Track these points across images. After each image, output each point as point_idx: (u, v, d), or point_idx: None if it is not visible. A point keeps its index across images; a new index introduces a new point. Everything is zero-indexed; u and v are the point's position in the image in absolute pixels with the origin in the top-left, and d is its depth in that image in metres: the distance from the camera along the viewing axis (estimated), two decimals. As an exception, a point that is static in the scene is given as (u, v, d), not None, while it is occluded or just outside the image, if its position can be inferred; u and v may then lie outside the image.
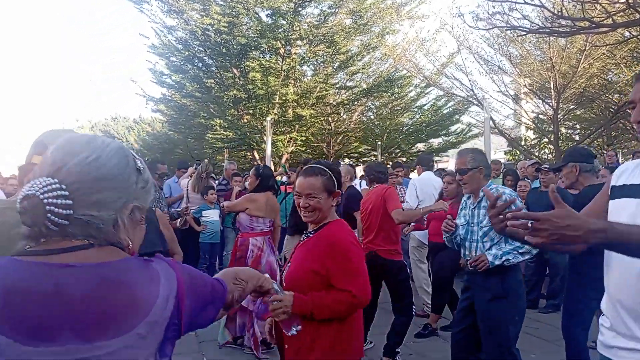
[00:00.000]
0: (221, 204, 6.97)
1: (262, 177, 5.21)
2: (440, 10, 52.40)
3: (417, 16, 17.69)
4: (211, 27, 14.40)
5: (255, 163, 16.82)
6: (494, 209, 1.74)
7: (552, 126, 16.67)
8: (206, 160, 9.91)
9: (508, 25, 10.29)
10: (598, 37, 13.09)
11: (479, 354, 3.41)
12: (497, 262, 3.21)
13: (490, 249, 3.31)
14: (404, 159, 20.99)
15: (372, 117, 21.75)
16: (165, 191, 8.00)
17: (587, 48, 13.94)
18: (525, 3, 9.29)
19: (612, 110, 16.36)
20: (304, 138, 17.37)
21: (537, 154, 18.28)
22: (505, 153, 21.45)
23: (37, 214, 0.97)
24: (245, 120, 16.43)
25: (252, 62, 15.08)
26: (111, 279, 1.00)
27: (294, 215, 5.96)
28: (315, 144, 20.48)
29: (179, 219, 6.00)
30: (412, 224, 5.81)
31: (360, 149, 22.31)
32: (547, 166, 6.63)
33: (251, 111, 15.95)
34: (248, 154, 18.73)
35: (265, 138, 13.85)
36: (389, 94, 18.72)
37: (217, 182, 9.03)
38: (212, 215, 7.54)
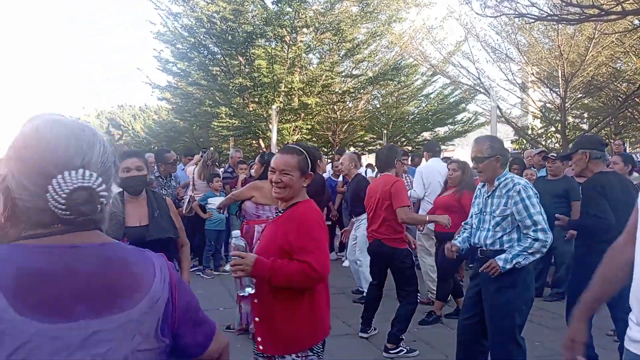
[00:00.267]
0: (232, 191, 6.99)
1: (267, 164, 5.21)
2: (448, -2, 51.89)
3: (424, 4, 17.54)
4: (217, 14, 14.35)
5: (261, 151, 16.84)
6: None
7: (559, 115, 16.55)
8: (212, 148, 9.93)
9: (516, 13, 10.17)
10: (607, 24, 12.95)
11: (484, 341, 3.42)
12: (508, 267, 3.19)
13: (501, 237, 3.31)
14: (410, 148, 20.93)
15: (378, 105, 21.66)
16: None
17: (595, 36, 13.79)
18: (534, -10, 9.20)
19: (620, 99, 16.22)
20: (309, 126, 17.35)
21: (543, 143, 18.18)
22: (512, 142, 21.33)
23: (93, 204, 1.05)
24: (251, 109, 16.41)
25: (258, 50, 15.03)
26: (115, 258, 1.09)
27: None
28: (320, 133, 20.45)
29: (184, 207, 6.03)
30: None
31: (365, 138, 22.26)
32: (554, 154, 6.61)
33: (257, 99, 15.93)
34: (254, 142, 18.74)
35: (270, 126, 13.86)
36: (395, 82, 18.62)
37: (222, 169, 9.06)
38: (217, 203, 7.56)
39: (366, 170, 8.97)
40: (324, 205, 6.37)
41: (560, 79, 15.34)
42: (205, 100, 17.66)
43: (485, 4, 10.62)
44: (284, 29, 14.91)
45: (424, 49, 18.13)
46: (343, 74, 17.91)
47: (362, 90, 18.29)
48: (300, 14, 14.61)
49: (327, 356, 4.43)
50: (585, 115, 19.93)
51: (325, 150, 21.41)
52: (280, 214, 2.46)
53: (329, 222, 8.37)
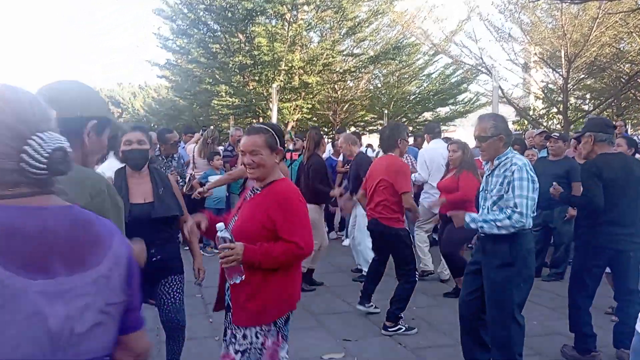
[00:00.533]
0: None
1: None
2: (451, -24, 51.28)
3: (427, -19, 17.32)
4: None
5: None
6: None
7: (561, 96, 16.45)
8: (212, 126, 9.89)
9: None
10: (611, 4, 12.78)
11: (485, 316, 3.45)
12: (471, 225, 3.30)
13: None
14: (411, 128, 20.86)
15: (379, 85, 21.53)
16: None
17: (599, 16, 13.63)
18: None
19: (623, 80, 16.10)
20: (310, 106, 17.26)
21: (545, 124, 18.11)
22: (513, 123, 21.24)
23: (68, 163, 1.11)
24: (251, 87, 16.31)
25: (258, 28, 14.87)
26: (81, 219, 1.14)
27: (303, 182, 5.95)
28: (321, 112, 20.37)
29: (185, 185, 6.02)
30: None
31: (366, 118, 22.17)
32: (557, 134, 6.59)
33: (257, 78, 15.83)
34: (254, 120, 18.67)
35: (271, 105, 13.79)
36: (396, 61, 18.48)
37: (222, 148, 9.03)
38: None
39: (366, 150, 8.95)
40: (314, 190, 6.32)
41: (563, 59, 15.21)
42: (205, 78, 17.54)
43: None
44: (284, 6, 14.73)
45: (426, 27, 17.96)
46: (344, 52, 17.75)
47: (363, 70, 18.15)
48: (301, -9, 14.45)
49: (325, 332, 4.49)
50: (588, 96, 19.81)
51: (326, 129, 21.35)
52: (256, 192, 2.49)
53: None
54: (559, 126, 17.59)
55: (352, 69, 17.67)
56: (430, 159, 6.39)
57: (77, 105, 1.67)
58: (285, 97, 16.06)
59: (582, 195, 4.01)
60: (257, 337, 2.38)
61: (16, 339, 0.96)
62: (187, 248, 3.35)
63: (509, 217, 3.14)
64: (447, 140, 7.81)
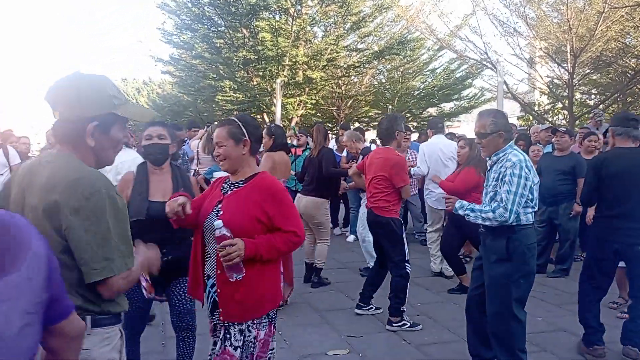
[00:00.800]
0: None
1: (275, 135, 5.17)
2: (455, -30, 50.99)
3: (431, -24, 17.22)
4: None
5: (265, 126, 16.78)
6: None
7: (566, 91, 16.35)
8: (216, 122, 9.88)
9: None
10: (618, -2, 12.69)
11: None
12: (460, 212, 3.37)
13: None
14: (415, 124, 20.81)
15: (383, 80, 21.46)
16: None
17: (605, 10, 13.51)
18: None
19: (628, 75, 15.99)
20: (314, 101, 17.23)
21: (550, 119, 18.02)
22: (518, 118, 21.14)
23: None
24: (255, 82, 16.29)
25: (262, 23, 14.83)
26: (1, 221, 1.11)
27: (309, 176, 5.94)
28: (325, 108, 20.34)
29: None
30: None
31: (370, 113, 22.13)
32: (563, 129, 6.59)
33: (261, 73, 15.80)
34: (258, 116, 18.66)
35: (275, 100, 13.78)
36: (400, 56, 18.41)
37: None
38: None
39: (370, 146, 8.92)
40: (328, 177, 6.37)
41: (568, 54, 15.11)
42: (209, 73, 17.52)
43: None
44: (288, 0, 14.68)
45: (431, 22, 17.86)
46: (348, 47, 17.69)
47: (367, 65, 18.09)
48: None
49: (329, 329, 4.49)
50: (594, 91, 19.68)
51: (330, 125, 21.31)
52: (238, 187, 2.47)
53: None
54: (564, 121, 17.50)
55: (357, 64, 17.61)
56: (430, 154, 6.41)
57: (75, 106, 1.65)
58: (289, 92, 16.04)
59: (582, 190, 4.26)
60: (249, 331, 2.39)
61: None
62: None
63: (493, 211, 3.17)
64: (452, 135, 7.79)
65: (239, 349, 2.37)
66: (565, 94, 16.74)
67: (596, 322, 3.99)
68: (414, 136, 11.57)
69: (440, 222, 6.45)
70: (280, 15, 15.74)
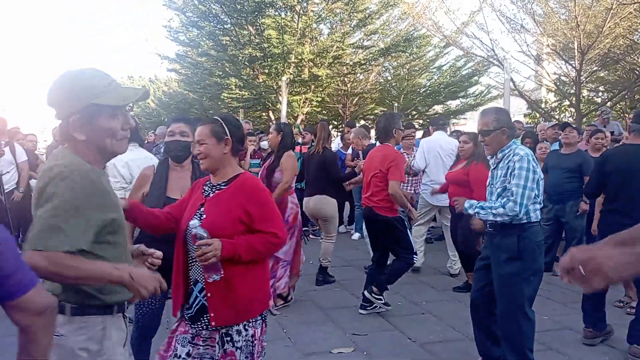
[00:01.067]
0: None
1: (284, 132, 5.13)
2: (462, -33, 50.70)
3: (438, -28, 17.13)
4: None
5: (271, 123, 16.78)
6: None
7: (574, 88, 16.24)
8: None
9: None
10: (626, -6, 12.57)
11: (496, 310, 3.44)
12: (470, 211, 3.36)
13: None
14: (421, 121, 20.74)
15: (389, 77, 21.39)
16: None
17: (614, 6, 13.41)
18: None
19: (637, 72, 15.87)
20: (319, 99, 17.19)
21: (557, 116, 17.91)
22: (525, 116, 21.03)
23: None
24: (261, 80, 16.28)
25: (268, 20, 14.81)
26: None
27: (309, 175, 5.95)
28: (331, 105, 20.29)
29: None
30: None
31: (376, 111, 22.04)
32: (573, 125, 6.58)
33: (267, 70, 15.79)
34: (263, 114, 18.66)
35: (280, 98, 13.76)
36: (407, 54, 18.34)
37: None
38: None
39: (375, 143, 8.89)
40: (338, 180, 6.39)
41: (576, 51, 15.00)
42: (215, 71, 17.53)
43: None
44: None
45: (437, 19, 17.78)
46: (354, 45, 17.64)
47: (373, 62, 18.03)
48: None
49: (334, 327, 4.48)
50: (601, 88, 19.54)
51: (335, 123, 21.27)
52: (220, 189, 2.42)
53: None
54: (571, 119, 17.39)
55: (362, 62, 17.56)
56: (428, 149, 6.46)
57: (63, 104, 1.72)
58: (295, 90, 16.01)
59: None
60: (246, 330, 2.38)
61: None
62: None
63: (503, 206, 3.17)
64: (458, 133, 7.76)
65: (239, 350, 2.36)
66: (572, 91, 16.63)
67: (589, 310, 4.17)
68: (419, 134, 11.54)
69: (428, 217, 6.49)
70: (286, 12, 15.71)
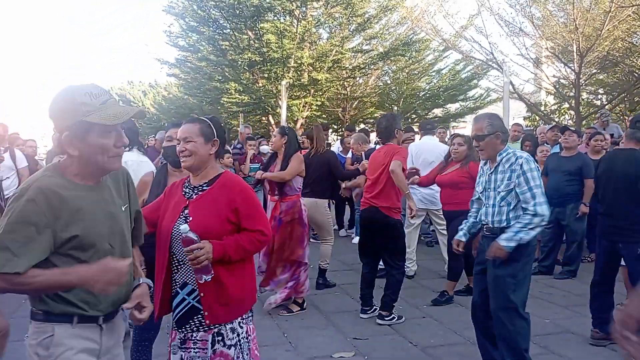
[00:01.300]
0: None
1: (289, 136, 5.12)
2: (461, -29, 50.81)
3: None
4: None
5: (271, 127, 16.79)
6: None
7: (573, 91, 16.26)
8: (222, 125, 9.88)
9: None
10: (625, -3, 12.60)
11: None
12: (512, 244, 3.21)
13: (508, 213, 3.32)
14: (420, 125, 20.71)
15: (389, 81, 21.43)
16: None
17: (612, 9, 13.44)
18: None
19: (636, 74, 15.89)
20: (319, 103, 17.22)
21: (557, 119, 17.92)
22: (524, 119, 21.05)
23: None
24: (260, 84, 16.31)
25: (267, 25, 14.85)
26: None
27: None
28: (330, 109, 20.32)
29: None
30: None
31: (376, 114, 22.05)
32: (572, 128, 6.59)
33: (266, 75, 15.82)
34: (263, 118, 18.68)
35: (280, 102, 13.78)
36: (406, 57, 18.38)
37: (232, 146, 9.04)
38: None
39: (375, 147, 8.90)
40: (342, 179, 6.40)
41: (575, 53, 15.02)
42: (215, 75, 17.56)
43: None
44: (292, 2, 14.69)
45: (436, 22, 17.82)
46: (353, 49, 17.67)
47: (372, 66, 18.07)
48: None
49: (335, 331, 4.47)
50: (600, 91, 19.57)
51: (335, 127, 21.29)
52: (203, 189, 2.40)
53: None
54: (570, 122, 17.41)
55: (362, 66, 17.59)
56: (417, 153, 6.46)
57: (57, 119, 1.76)
58: (295, 94, 16.03)
59: None
60: (241, 327, 2.39)
61: None
62: None
63: (535, 215, 3.18)
64: (458, 136, 7.76)
65: (232, 347, 2.35)
66: (571, 94, 16.65)
67: (596, 309, 4.18)
68: (417, 138, 11.53)
69: (417, 222, 6.39)
70: (285, 17, 15.76)
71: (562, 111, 18.82)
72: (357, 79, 19.77)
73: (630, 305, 1.46)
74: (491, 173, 3.43)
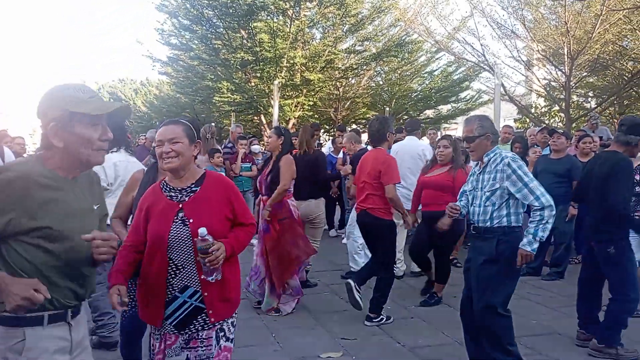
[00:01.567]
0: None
1: (284, 136, 5.10)
2: (454, -27, 50.89)
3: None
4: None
5: (263, 127, 16.76)
6: None
7: (563, 93, 16.37)
8: (212, 124, 9.85)
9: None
10: (615, 1, 12.68)
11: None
12: (536, 246, 3.24)
13: (492, 213, 3.35)
14: (413, 126, 20.73)
15: (381, 82, 21.46)
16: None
17: (603, 13, 13.54)
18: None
19: (625, 77, 16.01)
20: (311, 103, 17.19)
21: (547, 121, 18.03)
22: (515, 121, 21.17)
23: None
24: (253, 84, 16.26)
25: (260, 24, 14.82)
26: None
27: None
28: (322, 109, 20.30)
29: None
30: None
31: (368, 115, 22.07)
32: (560, 131, 6.63)
33: (259, 74, 15.77)
34: (255, 117, 18.63)
35: (272, 102, 13.74)
36: (398, 58, 18.41)
37: (223, 145, 9.01)
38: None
39: (367, 147, 8.90)
40: (324, 181, 6.37)
41: (565, 56, 15.13)
42: (207, 74, 17.48)
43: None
44: (286, 2, 14.67)
45: (429, 24, 17.88)
46: (346, 50, 17.68)
47: (365, 67, 18.08)
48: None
49: (323, 331, 4.47)
50: (590, 94, 19.72)
51: (327, 127, 21.29)
52: (194, 190, 2.38)
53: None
54: (561, 124, 17.52)
55: (354, 66, 17.60)
56: (401, 155, 6.38)
57: (44, 114, 1.78)
58: (287, 94, 16.01)
59: None
60: (236, 320, 2.53)
61: None
62: None
63: (543, 208, 3.24)
64: (442, 138, 7.80)
65: (230, 341, 2.43)
66: (562, 96, 16.76)
67: (583, 310, 4.19)
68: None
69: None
70: (278, 16, 15.73)
71: (552, 113, 18.94)
72: (350, 79, 19.78)
73: None
74: (480, 173, 3.48)
